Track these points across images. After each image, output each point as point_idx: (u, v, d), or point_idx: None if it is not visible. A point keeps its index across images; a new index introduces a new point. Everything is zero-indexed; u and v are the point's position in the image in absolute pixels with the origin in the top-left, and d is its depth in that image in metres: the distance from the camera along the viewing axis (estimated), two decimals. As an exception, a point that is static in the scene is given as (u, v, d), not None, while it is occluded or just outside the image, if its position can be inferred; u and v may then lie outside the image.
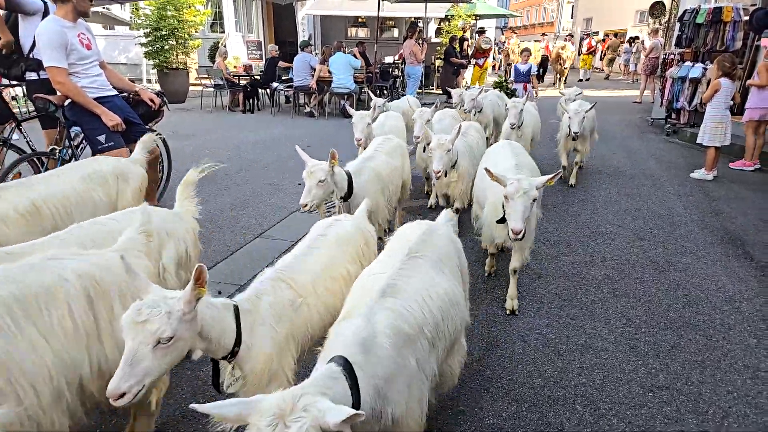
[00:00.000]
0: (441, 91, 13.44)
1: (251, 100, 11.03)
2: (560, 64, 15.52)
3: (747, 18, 7.43)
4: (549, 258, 3.59)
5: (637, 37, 19.90)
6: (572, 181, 5.36)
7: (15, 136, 4.03)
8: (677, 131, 8.33)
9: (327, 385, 1.16)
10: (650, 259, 3.60)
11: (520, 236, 2.36)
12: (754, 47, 7.75)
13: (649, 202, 4.92)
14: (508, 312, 2.88)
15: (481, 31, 12.37)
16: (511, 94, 7.72)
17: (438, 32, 12.97)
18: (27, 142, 4.01)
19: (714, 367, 2.39)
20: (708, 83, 7.09)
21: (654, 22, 19.30)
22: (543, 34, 19.12)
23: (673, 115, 8.64)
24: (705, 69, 7.67)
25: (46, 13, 3.88)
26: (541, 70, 16.51)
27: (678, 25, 8.85)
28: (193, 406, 1.11)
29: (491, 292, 3.09)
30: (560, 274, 3.35)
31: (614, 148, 7.50)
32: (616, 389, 2.24)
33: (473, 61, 11.87)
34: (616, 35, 20.81)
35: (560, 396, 2.19)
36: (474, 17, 14.46)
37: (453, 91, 6.60)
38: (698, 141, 6.00)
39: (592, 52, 19.09)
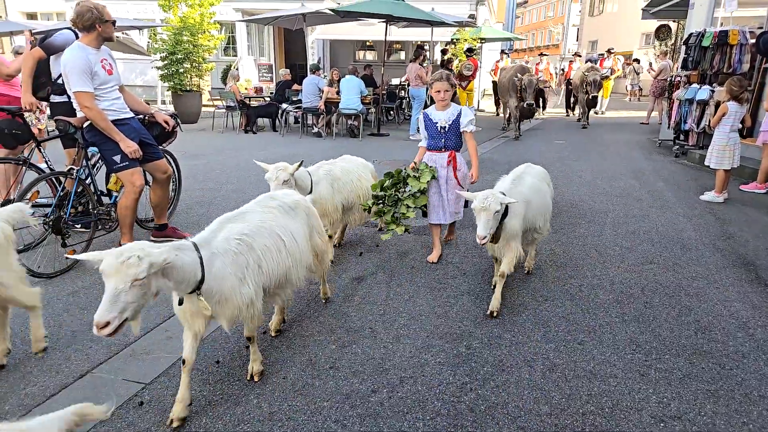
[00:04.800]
0: None
1: (273, 120, 11.26)
2: (587, 91, 11.87)
3: (753, 41, 7.46)
4: (556, 280, 3.56)
5: (637, 59, 20.13)
6: (493, 306, 3.03)
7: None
8: (686, 152, 8.30)
9: None
10: (660, 283, 3.55)
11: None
12: (762, 69, 7.76)
13: (658, 224, 4.87)
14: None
15: (470, 52, 12.45)
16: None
17: (443, 53, 13.17)
18: (46, 161, 4.10)
19: (728, 397, 2.33)
20: (716, 105, 7.10)
21: (660, 45, 19.50)
22: (542, 54, 16.32)
23: (681, 137, 8.62)
24: (712, 91, 7.68)
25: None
26: (541, 100, 13.43)
27: (683, 47, 8.90)
28: None
29: (496, 316, 3.05)
30: (567, 297, 3.31)
31: (622, 168, 7.48)
32: (626, 418, 2.18)
33: (457, 83, 11.98)
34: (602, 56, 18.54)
35: (568, 424, 2.14)
36: (479, 40, 14.69)
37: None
38: (706, 163, 5.97)
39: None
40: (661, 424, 2.14)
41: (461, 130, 3.71)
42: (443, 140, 3.72)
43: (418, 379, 2.42)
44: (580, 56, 16.14)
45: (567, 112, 15.35)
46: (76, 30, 3.55)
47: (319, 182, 3.59)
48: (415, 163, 3.80)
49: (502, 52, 15.04)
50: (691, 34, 8.54)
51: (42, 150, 4.06)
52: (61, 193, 3.65)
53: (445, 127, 3.70)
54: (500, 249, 3.09)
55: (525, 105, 9.89)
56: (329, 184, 3.66)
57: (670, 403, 2.28)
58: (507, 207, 2.92)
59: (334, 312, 3.08)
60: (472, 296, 3.29)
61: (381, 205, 3.76)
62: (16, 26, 11.41)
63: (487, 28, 16.01)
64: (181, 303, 1.99)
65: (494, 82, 14.27)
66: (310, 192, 3.49)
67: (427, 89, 11.91)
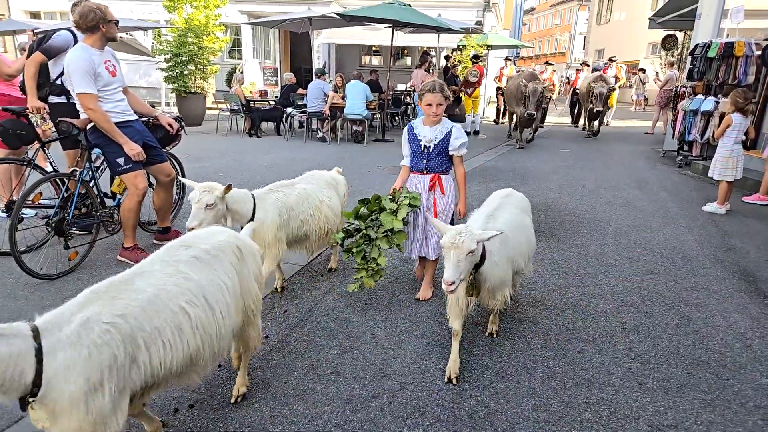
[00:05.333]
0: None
1: (277, 124, 11.29)
2: (592, 102, 11.41)
3: (759, 53, 7.48)
4: (556, 289, 3.57)
5: (642, 69, 20.17)
6: (491, 329, 2.93)
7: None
8: (689, 163, 8.31)
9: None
10: (660, 293, 3.56)
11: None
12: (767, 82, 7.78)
13: (659, 234, 4.88)
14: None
15: (476, 58, 12.45)
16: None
17: (447, 59, 13.23)
18: (50, 162, 4.15)
19: (724, 407, 2.34)
20: (720, 117, 7.11)
21: (666, 55, 19.55)
22: (547, 63, 15.29)
23: (686, 148, 8.63)
24: (717, 102, 7.70)
25: (75, 42, 4.07)
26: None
27: (689, 58, 8.93)
28: None
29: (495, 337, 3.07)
30: (567, 306, 3.32)
31: (625, 178, 7.50)
32: (623, 427, 2.19)
33: (463, 90, 12.02)
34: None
35: (566, 432, 2.16)
36: (486, 47, 14.74)
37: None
38: (709, 174, 5.98)
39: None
40: (658, 434, 2.16)
41: (450, 153, 3.10)
42: (425, 161, 3.11)
43: (419, 385, 2.44)
44: (588, 65, 15.17)
45: (572, 122, 14.99)
46: (79, 30, 3.54)
47: (266, 210, 3.02)
48: (394, 190, 3.16)
49: (507, 58, 14.89)
50: (698, 44, 8.57)
51: (46, 151, 4.09)
52: (65, 195, 3.69)
53: (429, 146, 3.07)
54: (483, 298, 2.60)
55: (525, 114, 9.50)
56: (277, 213, 3.07)
57: (667, 412, 2.29)
58: (483, 253, 2.35)
59: (335, 317, 3.10)
60: (473, 303, 3.31)
61: (354, 239, 3.17)
62: (19, 25, 11.53)
63: (493, 35, 16.06)
64: (23, 408, 1.41)
65: (498, 89, 14.22)
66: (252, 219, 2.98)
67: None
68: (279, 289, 3.43)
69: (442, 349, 2.75)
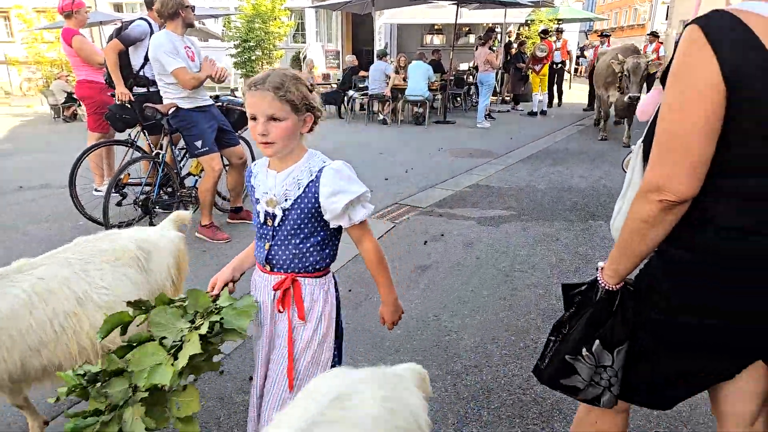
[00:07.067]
0: (510, 97, 13.06)
1: (338, 107, 11.46)
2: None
3: None
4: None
5: None
6: None
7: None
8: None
9: None
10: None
11: None
12: None
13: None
14: None
15: (545, 33, 11.73)
16: None
17: (516, 37, 12.66)
18: (149, 144, 4.42)
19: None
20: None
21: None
22: (602, 34, 12.73)
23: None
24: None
25: (151, 32, 4.33)
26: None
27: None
28: None
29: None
30: (644, 296, 3.14)
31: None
32: (704, 423, 2.06)
33: (530, 67, 11.42)
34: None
35: (640, 423, 2.06)
36: (556, 21, 13.97)
37: None
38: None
39: None
40: None
41: (333, 225, 1.47)
42: (268, 244, 1.47)
43: (483, 369, 2.43)
44: (657, 36, 11.95)
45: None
46: (161, 18, 3.74)
47: None
48: (194, 296, 1.44)
49: (558, 30, 12.54)
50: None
51: (146, 134, 4.35)
52: (149, 175, 3.99)
53: (274, 214, 1.44)
54: None
55: (626, 99, 6.91)
56: None
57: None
58: None
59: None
60: (539, 289, 3.23)
61: (92, 391, 1.28)
62: (104, 17, 12.43)
63: (565, 7, 15.19)
64: None
65: (553, 65, 12.63)
66: None
67: (496, 74, 11.58)
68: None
69: (507, 335, 2.71)
